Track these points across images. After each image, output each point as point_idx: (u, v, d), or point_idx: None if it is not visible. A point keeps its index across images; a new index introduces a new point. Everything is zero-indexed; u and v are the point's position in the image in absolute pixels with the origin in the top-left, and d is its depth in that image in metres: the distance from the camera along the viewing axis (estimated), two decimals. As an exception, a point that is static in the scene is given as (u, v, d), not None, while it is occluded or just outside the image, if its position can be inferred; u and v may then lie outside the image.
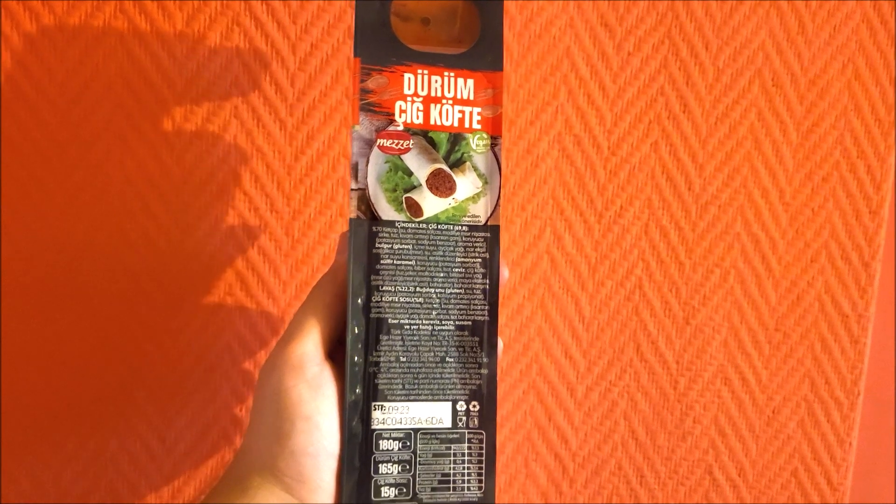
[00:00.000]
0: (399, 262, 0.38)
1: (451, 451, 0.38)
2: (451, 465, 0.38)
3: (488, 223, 0.39)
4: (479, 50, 0.39)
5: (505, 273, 0.39)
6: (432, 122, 0.38)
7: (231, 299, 0.48)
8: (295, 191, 0.48)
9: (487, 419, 0.38)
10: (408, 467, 0.37)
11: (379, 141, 0.38)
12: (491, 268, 0.39)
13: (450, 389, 0.38)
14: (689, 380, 0.52)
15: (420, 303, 0.38)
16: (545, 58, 0.49)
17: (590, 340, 0.51)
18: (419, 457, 0.38)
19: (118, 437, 0.48)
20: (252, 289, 0.48)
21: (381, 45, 0.38)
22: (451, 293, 0.38)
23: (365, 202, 0.37)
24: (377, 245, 0.37)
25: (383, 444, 0.37)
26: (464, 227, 0.38)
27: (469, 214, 0.38)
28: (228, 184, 0.47)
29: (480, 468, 0.38)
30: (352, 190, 0.37)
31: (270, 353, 0.36)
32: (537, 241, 0.50)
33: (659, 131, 0.50)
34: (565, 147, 0.50)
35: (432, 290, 0.38)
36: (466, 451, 0.38)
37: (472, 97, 0.39)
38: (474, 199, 0.39)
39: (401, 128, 0.38)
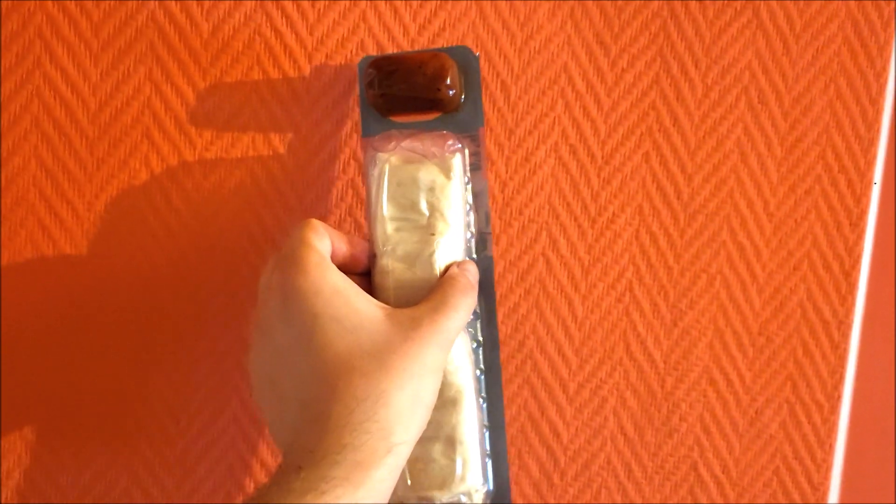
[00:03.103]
0: None
1: None
2: None
3: None
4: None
5: None
6: None
7: (244, 292, 0.51)
8: (307, 191, 0.51)
9: None
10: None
11: None
12: None
13: None
14: (675, 379, 0.54)
15: None
16: (544, 72, 0.52)
17: (582, 339, 0.54)
18: None
19: (135, 417, 0.51)
20: (264, 281, 0.51)
21: None
22: None
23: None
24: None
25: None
26: None
27: None
28: (246, 181, 0.51)
29: None
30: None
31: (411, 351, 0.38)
32: (533, 243, 0.53)
33: (650, 143, 0.53)
34: (561, 156, 0.53)
35: None
36: None
37: None
38: None
39: None
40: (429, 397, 0.38)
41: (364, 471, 0.33)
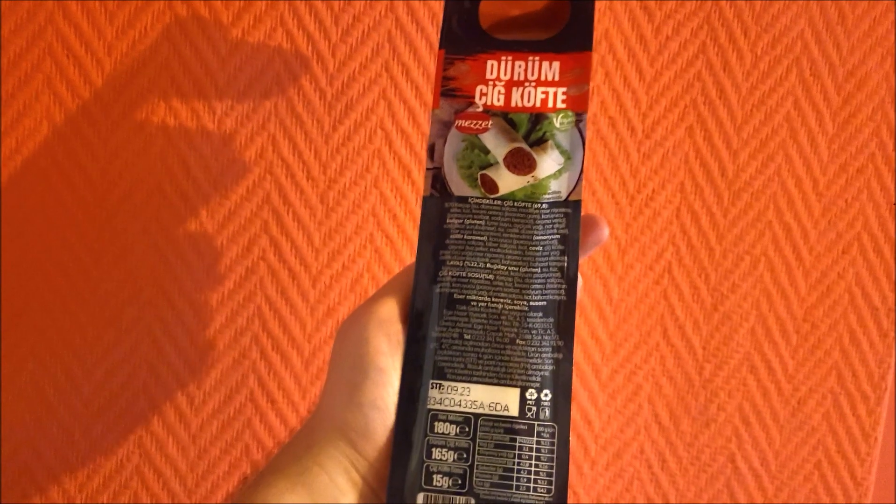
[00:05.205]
0: (470, 238, 0.37)
1: (517, 444, 0.35)
2: (517, 460, 0.35)
3: (569, 199, 0.37)
4: (567, 32, 0.39)
5: (605, 232, 0.38)
6: (513, 104, 0.38)
7: (264, 263, 0.49)
8: (331, 159, 0.49)
9: (561, 411, 0.35)
10: (465, 456, 0.35)
11: (457, 121, 0.38)
12: (570, 244, 0.37)
13: (518, 374, 0.36)
14: (714, 366, 0.52)
15: (490, 280, 0.36)
16: (594, 5, 0.49)
17: (617, 323, 0.51)
18: (479, 446, 0.35)
19: (148, 393, 0.49)
20: (285, 254, 0.49)
21: (465, 38, 0.39)
22: (525, 272, 0.37)
23: (440, 181, 0.37)
24: (448, 220, 0.37)
25: (439, 427, 0.35)
26: (542, 205, 0.37)
27: (550, 191, 0.38)
28: (267, 149, 0.48)
29: (551, 466, 0.35)
30: (427, 169, 0.38)
31: (354, 311, 0.36)
32: (568, 220, 0.50)
33: (694, 116, 0.50)
34: (600, 128, 0.50)
35: (504, 268, 0.37)
36: (535, 446, 0.35)
37: (556, 78, 0.38)
38: (556, 175, 0.38)
39: (480, 109, 0.38)
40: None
41: None
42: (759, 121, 0.50)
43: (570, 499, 0.52)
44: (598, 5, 0.49)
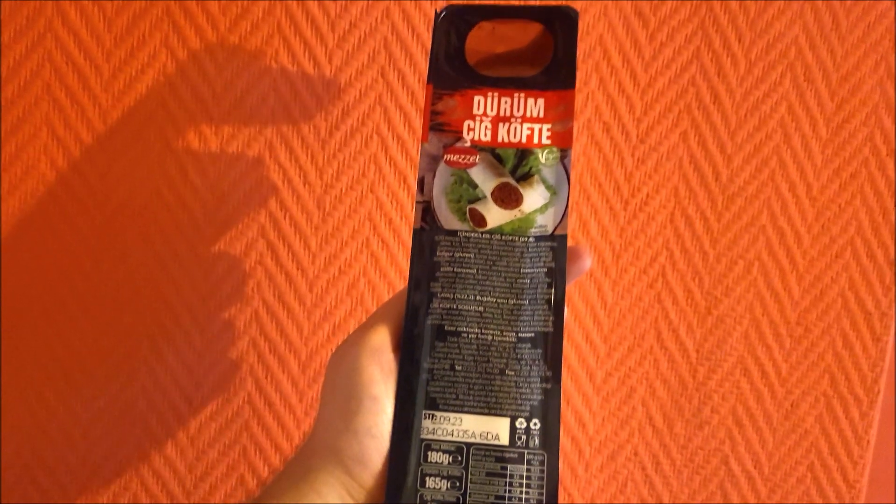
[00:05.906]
0: (459, 270, 0.38)
1: (508, 472, 0.36)
2: (507, 488, 0.36)
3: (555, 233, 0.39)
4: (551, 70, 0.40)
5: (588, 262, 0.39)
6: (500, 140, 0.39)
7: (261, 268, 0.49)
8: (328, 164, 0.49)
9: (550, 439, 0.37)
10: (458, 485, 0.36)
11: (446, 156, 0.39)
12: (557, 277, 0.38)
13: (508, 404, 0.37)
14: (708, 369, 0.52)
15: (479, 312, 0.38)
16: (577, 45, 0.49)
17: (611, 326, 0.52)
18: (471, 475, 0.36)
19: (147, 396, 0.50)
20: (282, 258, 0.49)
21: (453, 73, 0.40)
22: (513, 304, 0.38)
23: (430, 213, 0.38)
24: (438, 253, 0.38)
25: (432, 456, 0.36)
26: (529, 238, 0.38)
27: (536, 225, 0.39)
28: (264, 154, 0.49)
29: (541, 493, 0.36)
30: (417, 202, 0.39)
31: (345, 339, 0.37)
32: (563, 224, 0.51)
33: (688, 121, 0.51)
34: (594, 133, 0.50)
35: (493, 300, 0.38)
36: (525, 474, 0.36)
37: (541, 115, 0.40)
38: (542, 209, 0.39)
39: (468, 144, 0.39)
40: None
41: None
42: (753, 126, 0.51)
43: (565, 500, 0.52)
44: (592, 10, 0.49)
